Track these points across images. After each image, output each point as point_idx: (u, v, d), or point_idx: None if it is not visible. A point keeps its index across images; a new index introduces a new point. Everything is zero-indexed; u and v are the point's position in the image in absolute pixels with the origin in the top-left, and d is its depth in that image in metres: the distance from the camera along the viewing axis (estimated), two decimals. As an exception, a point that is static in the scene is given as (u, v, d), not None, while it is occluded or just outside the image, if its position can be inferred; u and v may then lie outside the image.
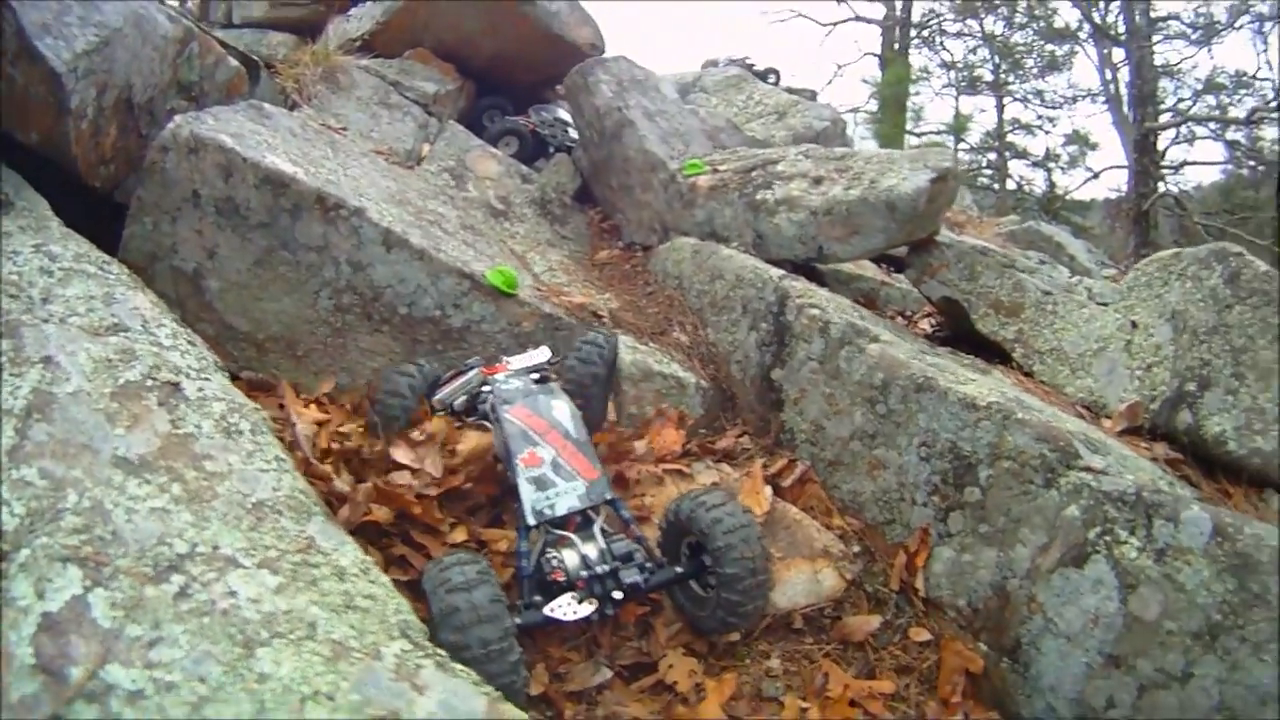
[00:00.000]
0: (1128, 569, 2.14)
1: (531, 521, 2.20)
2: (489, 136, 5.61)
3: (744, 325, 3.41)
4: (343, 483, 2.21)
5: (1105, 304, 3.47)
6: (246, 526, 1.60)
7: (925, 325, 4.36)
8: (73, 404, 1.67)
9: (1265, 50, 17.92)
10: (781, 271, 3.48)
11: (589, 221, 5.10)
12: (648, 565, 2.20)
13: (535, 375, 2.69)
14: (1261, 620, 1.97)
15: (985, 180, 23.28)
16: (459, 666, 1.55)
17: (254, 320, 2.88)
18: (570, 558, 2.14)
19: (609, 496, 2.31)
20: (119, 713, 1.23)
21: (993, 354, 3.62)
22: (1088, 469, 2.32)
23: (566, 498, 2.25)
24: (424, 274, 2.98)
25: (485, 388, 2.67)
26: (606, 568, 2.13)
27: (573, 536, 2.20)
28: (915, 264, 3.93)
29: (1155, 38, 16.64)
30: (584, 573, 2.11)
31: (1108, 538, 2.20)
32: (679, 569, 2.25)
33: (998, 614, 2.37)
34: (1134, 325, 3.29)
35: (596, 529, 2.24)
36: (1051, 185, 22.39)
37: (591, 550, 2.16)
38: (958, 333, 3.93)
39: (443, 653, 1.56)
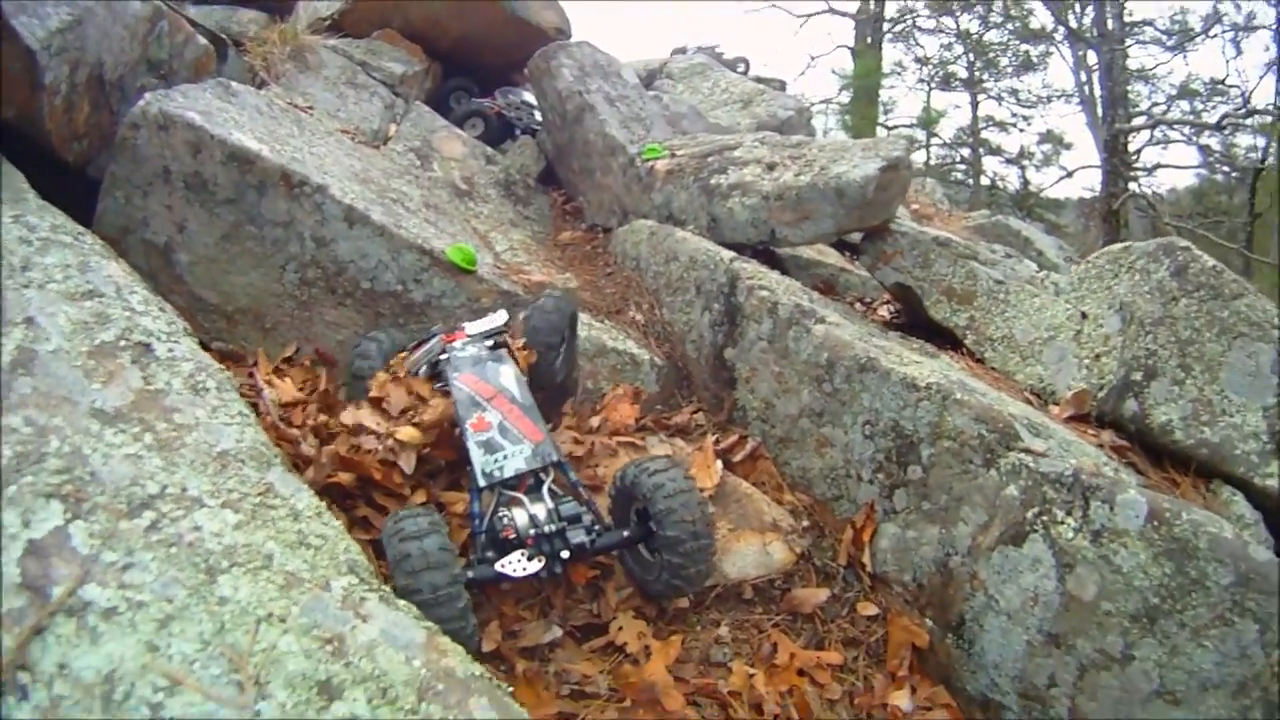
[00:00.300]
0: (1065, 549, 2.18)
1: (482, 483, 2.26)
2: (455, 118, 5.70)
3: (698, 306, 3.50)
4: (309, 446, 2.33)
5: (1058, 295, 3.52)
6: (212, 472, 1.73)
7: (884, 312, 4.40)
8: (53, 361, 1.79)
9: (1238, 56, 18.21)
10: (733, 254, 3.57)
11: (552, 203, 5.21)
12: (595, 527, 2.25)
13: (490, 341, 2.74)
14: (1200, 606, 2.01)
15: (959, 175, 23.48)
16: (402, 603, 1.69)
17: (223, 293, 2.97)
18: (520, 516, 2.20)
19: (555, 458, 2.36)
20: (94, 625, 1.36)
21: (946, 341, 3.69)
22: (1027, 450, 2.37)
23: (514, 460, 2.31)
24: (385, 250, 3.08)
25: (444, 355, 2.72)
26: (554, 527, 2.18)
27: (522, 497, 2.26)
28: (869, 251, 4.01)
29: (1129, 42, 16.81)
30: (532, 531, 2.17)
31: (1045, 518, 2.24)
32: (625, 533, 2.31)
33: (941, 590, 2.43)
34: (1084, 315, 3.34)
35: (545, 490, 2.29)
36: (1025, 182, 22.59)
37: (540, 510, 2.22)
38: (914, 320, 4.01)
39: (387, 589, 1.70)
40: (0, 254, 2.02)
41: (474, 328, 2.77)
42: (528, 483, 2.31)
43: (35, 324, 1.86)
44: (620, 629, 2.29)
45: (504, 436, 2.36)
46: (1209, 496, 2.75)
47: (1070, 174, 22.30)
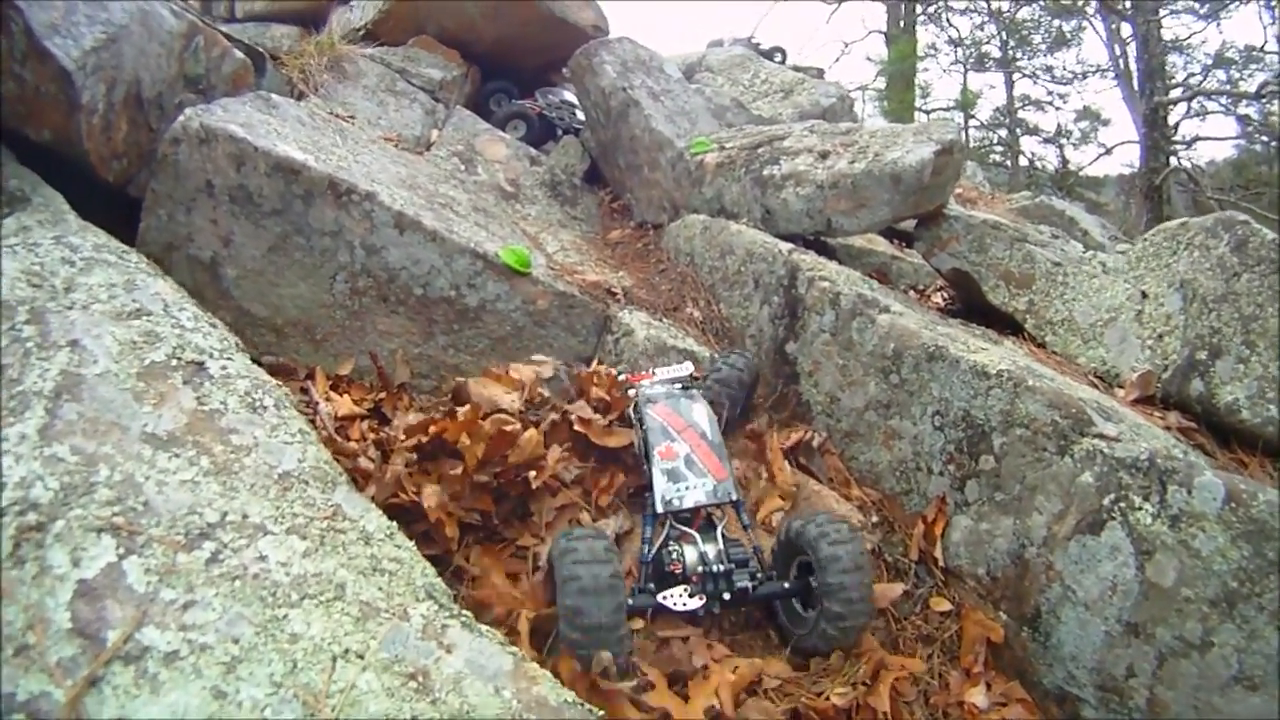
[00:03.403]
0: (1143, 535, 2.13)
1: (660, 509, 2.29)
2: (496, 120, 5.64)
3: (756, 299, 3.43)
4: (367, 460, 2.23)
5: (1115, 275, 3.46)
6: (274, 496, 1.63)
7: (938, 299, 4.37)
8: (101, 384, 1.70)
9: (1274, 23, 17.67)
10: (791, 245, 3.49)
11: (599, 202, 5.13)
12: (759, 574, 2.26)
13: (678, 385, 2.81)
14: (1278, 588, 1.97)
15: (997, 157, 23.18)
16: (484, 627, 1.58)
17: (271, 306, 2.90)
18: (690, 553, 2.23)
19: (734, 497, 2.37)
20: (155, 673, 1.25)
21: (1004, 326, 3.62)
22: (1101, 436, 2.31)
23: (694, 492, 2.33)
24: (437, 255, 3.00)
25: (630, 391, 2.81)
26: (722, 568, 2.20)
27: (695, 534, 2.28)
28: (924, 237, 3.94)
29: (1162, 12, 16.42)
30: (700, 568, 2.19)
31: (1122, 504, 2.19)
32: (786, 584, 2.30)
33: (1016, 583, 2.38)
34: (1144, 295, 3.27)
35: (719, 532, 2.31)
36: (1064, 161, 22.32)
37: (710, 549, 2.24)
38: (969, 306, 3.94)
39: (468, 614, 1.59)
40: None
41: (663, 373, 2.90)
42: (701, 519, 2.34)
43: (81, 346, 1.78)
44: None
45: (689, 468, 2.39)
46: (1277, 476, 2.71)
47: (1109, 150, 22.12)
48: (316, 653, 1.36)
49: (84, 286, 2.01)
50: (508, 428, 2.38)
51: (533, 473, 2.39)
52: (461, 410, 2.38)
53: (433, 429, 2.33)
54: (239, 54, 3.62)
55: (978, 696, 2.25)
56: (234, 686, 1.28)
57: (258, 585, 1.43)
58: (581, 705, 1.48)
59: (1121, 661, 2.13)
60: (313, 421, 2.41)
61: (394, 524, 1.74)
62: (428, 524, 2.15)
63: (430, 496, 2.13)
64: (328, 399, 2.53)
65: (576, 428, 2.62)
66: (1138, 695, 2.10)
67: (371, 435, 2.40)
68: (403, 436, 2.35)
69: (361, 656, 1.37)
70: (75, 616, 1.30)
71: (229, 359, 1.94)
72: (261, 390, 1.90)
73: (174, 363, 1.84)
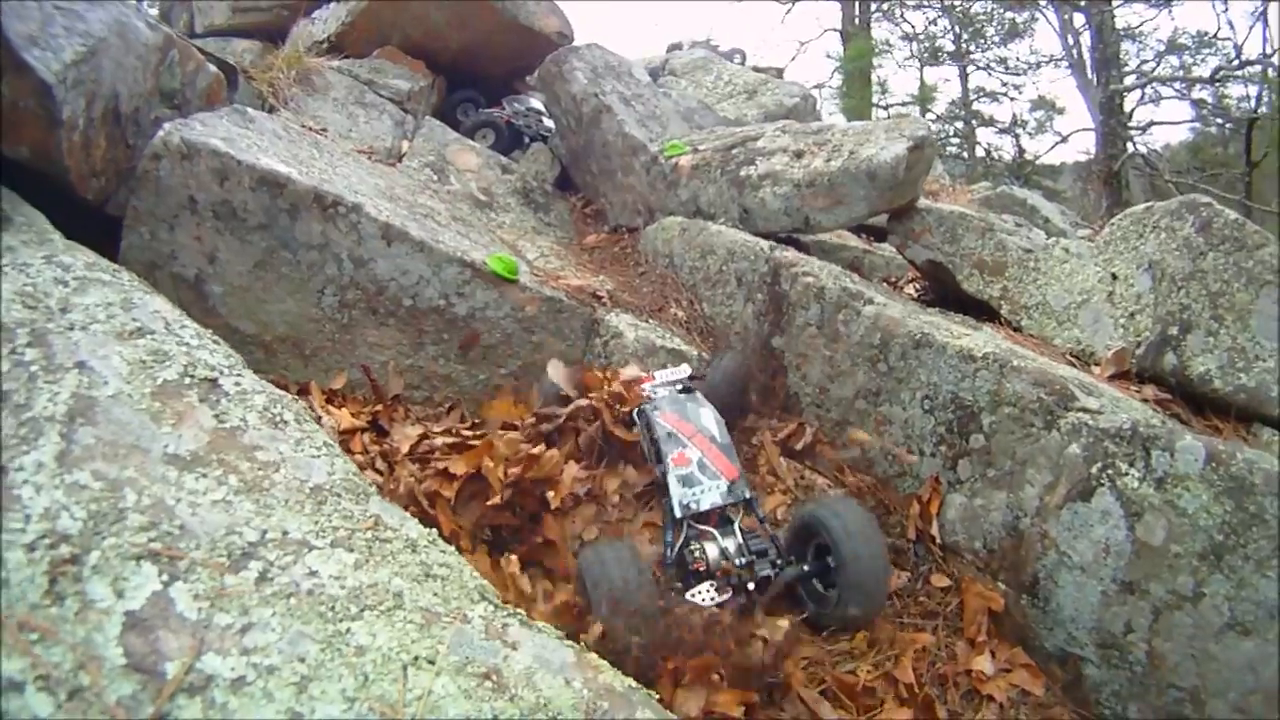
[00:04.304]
0: (1131, 498, 2.26)
1: (679, 514, 2.38)
2: (465, 130, 5.63)
3: (740, 297, 3.48)
4: (376, 472, 2.23)
5: (1085, 259, 3.56)
6: (310, 510, 1.61)
7: (910, 290, 4.44)
8: (115, 406, 1.66)
9: (1226, 10, 18.06)
10: (771, 243, 3.55)
11: (571, 208, 5.14)
12: (778, 561, 2.36)
13: (679, 387, 2.87)
14: (1261, 539, 2.11)
15: (954, 149, 23.43)
16: (540, 623, 1.59)
17: (260, 322, 2.87)
18: (711, 550, 2.32)
19: (748, 495, 2.48)
20: (224, 701, 1.20)
21: (980, 313, 3.71)
22: (1084, 409, 2.43)
23: (710, 494, 2.43)
24: (425, 265, 2.99)
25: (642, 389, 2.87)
26: (744, 560, 2.30)
27: (714, 531, 2.38)
28: (898, 230, 4.00)
29: (1115, 1, 16.74)
30: (723, 563, 2.29)
31: (1110, 471, 2.32)
32: (805, 566, 2.38)
33: (1013, 553, 2.48)
34: (1114, 277, 3.39)
35: (736, 526, 2.41)
36: (1020, 151, 22.64)
37: (730, 544, 2.34)
38: (943, 295, 4.02)
39: (522, 611, 1.59)
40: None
41: (662, 375, 2.95)
42: (717, 517, 2.44)
43: (88, 368, 1.73)
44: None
45: (702, 472, 2.48)
46: (1251, 440, 2.87)
47: (1065, 139, 22.37)
48: (386, 663, 1.33)
49: (80, 306, 1.95)
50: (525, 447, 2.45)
51: (550, 492, 2.44)
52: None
53: (462, 468, 2.36)
54: (213, 68, 3.58)
55: (984, 664, 2.35)
56: (308, 706, 1.23)
57: (314, 601, 1.40)
58: (643, 690, 1.50)
59: (1119, 619, 2.25)
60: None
61: (433, 531, 1.73)
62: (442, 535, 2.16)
63: (444, 511, 2.13)
64: (327, 413, 2.52)
65: (609, 428, 2.72)
66: (1137, 649, 2.22)
67: (375, 448, 2.39)
68: (405, 447, 2.36)
69: (432, 662, 1.36)
70: (128, 651, 1.23)
71: (240, 375, 1.90)
72: (280, 405, 1.87)
73: (187, 381, 1.80)
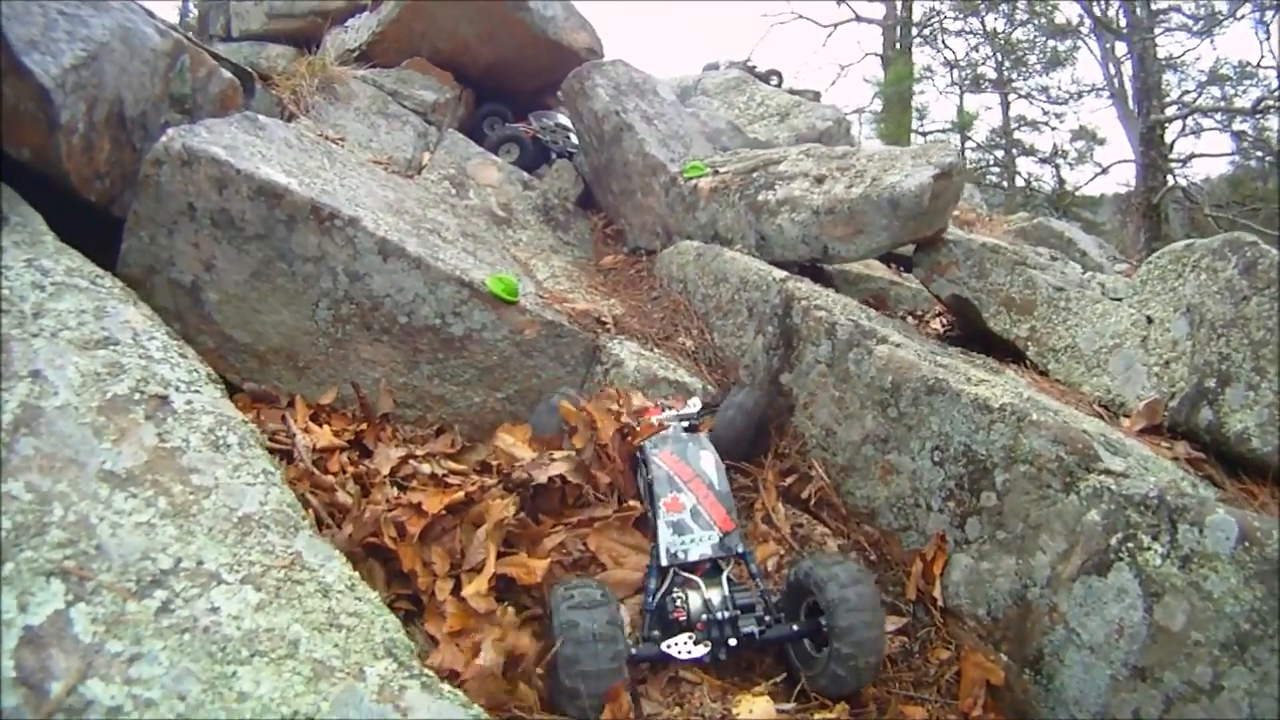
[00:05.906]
0: (1152, 577, 2.05)
1: (664, 562, 2.29)
2: (489, 144, 5.61)
3: (750, 329, 3.37)
4: (345, 495, 2.16)
5: (1119, 299, 3.38)
6: (232, 541, 1.56)
7: (936, 325, 4.31)
8: (60, 418, 1.63)
9: (1268, 39, 17.77)
10: (785, 273, 3.44)
11: (592, 227, 5.09)
12: (766, 618, 2.23)
13: (685, 425, 2.77)
14: None
15: (993, 178, 23.28)
16: (446, 688, 1.50)
17: (254, 332, 2.83)
18: (694, 600, 2.22)
19: (740, 550, 2.36)
20: None
21: (1005, 353, 3.55)
22: (1107, 472, 2.24)
23: (700, 545, 2.33)
24: (422, 283, 2.93)
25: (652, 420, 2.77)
26: (727, 614, 2.18)
27: (699, 580, 2.27)
28: (923, 262, 3.87)
29: (1157, 30, 16.51)
30: (705, 616, 2.17)
31: (1130, 544, 2.11)
32: (795, 626, 2.25)
33: (1018, 624, 2.30)
34: (1149, 320, 3.20)
35: (724, 577, 2.29)
36: (1060, 181, 22.44)
37: (715, 596, 2.23)
38: (969, 332, 3.88)
39: (430, 674, 1.52)
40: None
41: (671, 412, 2.84)
42: (705, 566, 2.32)
43: (42, 377, 1.70)
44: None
45: (694, 520, 2.39)
46: None
47: (1105, 170, 22.12)
48: (264, 713, 1.29)
49: (53, 312, 1.94)
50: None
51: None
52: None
53: (435, 506, 2.26)
54: (226, 74, 3.57)
55: (977, 741, 2.19)
56: (177, 746, 1.20)
57: (207, 639, 1.36)
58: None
59: (1127, 706, 2.04)
60: (291, 453, 2.34)
61: (355, 575, 1.66)
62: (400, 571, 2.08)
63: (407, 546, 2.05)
64: (306, 430, 2.45)
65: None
66: (1145, 741, 2.01)
67: (351, 469, 2.33)
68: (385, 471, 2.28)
69: (312, 719, 1.30)
70: (19, 665, 1.24)
71: (196, 392, 1.86)
72: (225, 427, 1.82)
73: (137, 396, 1.77)
